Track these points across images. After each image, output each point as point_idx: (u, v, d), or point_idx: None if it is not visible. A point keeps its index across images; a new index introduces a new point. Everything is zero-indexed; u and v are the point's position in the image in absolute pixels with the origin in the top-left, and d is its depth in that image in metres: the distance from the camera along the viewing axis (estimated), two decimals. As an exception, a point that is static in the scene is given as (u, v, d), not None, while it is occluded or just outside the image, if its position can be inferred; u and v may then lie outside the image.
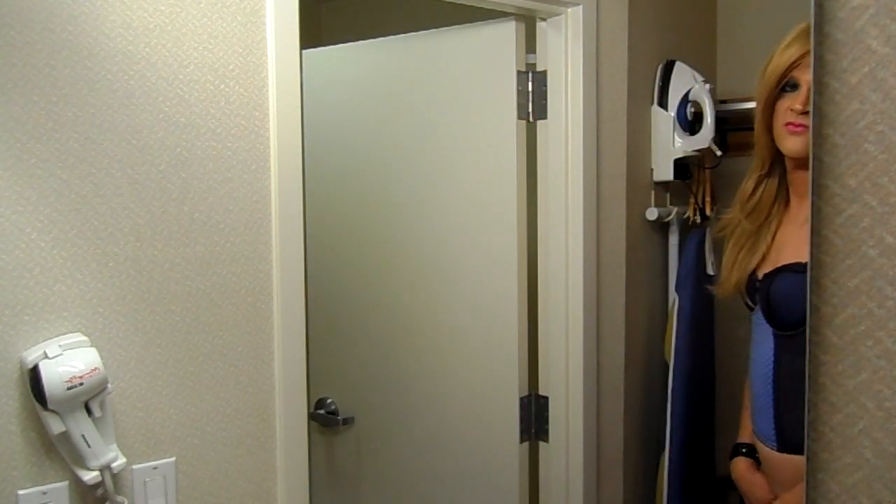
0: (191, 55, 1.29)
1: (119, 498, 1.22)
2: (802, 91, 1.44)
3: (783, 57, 1.48)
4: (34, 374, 1.13)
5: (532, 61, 1.82)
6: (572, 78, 1.77)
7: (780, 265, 1.48)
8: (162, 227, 1.27)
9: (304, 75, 1.43)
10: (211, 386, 1.34)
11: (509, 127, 1.81)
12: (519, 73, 1.80)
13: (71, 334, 1.18)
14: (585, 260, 1.79)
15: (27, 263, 1.16)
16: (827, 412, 0.97)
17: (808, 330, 0.97)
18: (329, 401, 2.17)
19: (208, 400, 1.33)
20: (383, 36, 2.01)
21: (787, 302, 1.46)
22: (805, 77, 1.44)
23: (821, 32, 0.95)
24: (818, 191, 0.96)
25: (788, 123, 1.46)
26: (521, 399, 1.83)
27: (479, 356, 1.89)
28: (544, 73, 1.80)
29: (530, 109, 1.82)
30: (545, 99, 1.80)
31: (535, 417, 1.85)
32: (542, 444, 1.86)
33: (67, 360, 1.14)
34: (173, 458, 1.30)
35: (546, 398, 1.83)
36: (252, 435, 1.38)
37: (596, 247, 1.81)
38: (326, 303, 2.10)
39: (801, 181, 1.46)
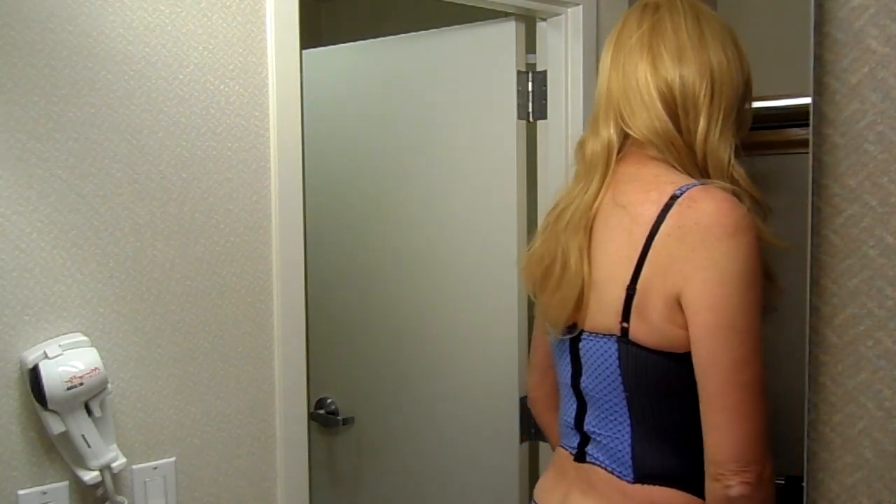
0: (191, 55, 1.29)
1: (119, 498, 1.22)
2: None
3: None
4: (34, 374, 1.13)
5: (532, 61, 1.82)
6: (572, 78, 1.77)
7: None
8: (162, 227, 1.27)
9: (304, 75, 1.43)
10: (211, 386, 1.34)
11: (509, 127, 1.81)
12: (519, 73, 1.80)
13: (71, 334, 1.18)
14: (585, 260, 1.78)
15: (27, 263, 1.16)
16: (827, 412, 0.97)
17: (808, 330, 0.97)
18: (329, 401, 2.16)
19: (208, 400, 1.33)
20: (383, 36, 2.01)
21: None
22: None
23: (821, 32, 0.95)
24: (818, 191, 0.96)
25: None
26: (521, 399, 1.83)
27: (479, 356, 1.89)
28: (544, 73, 1.80)
29: (530, 109, 1.82)
30: (545, 99, 1.80)
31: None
32: (542, 444, 1.86)
33: (67, 360, 1.14)
34: (173, 458, 1.30)
35: (546, 398, 1.83)
36: (252, 435, 1.38)
37: (596, 247, 1.81)
38: (326, 303, 2.10)
39: None
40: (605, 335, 1.20)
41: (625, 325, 1.17)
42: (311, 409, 2.10)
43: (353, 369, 2.13)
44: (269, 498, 1.41)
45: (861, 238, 0.94)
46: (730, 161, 1.23)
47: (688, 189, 1.15)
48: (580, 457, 1.27)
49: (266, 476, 1.41)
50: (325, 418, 2.15)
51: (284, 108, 1.38)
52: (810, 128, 0.97)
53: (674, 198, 1.14)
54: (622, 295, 1.16)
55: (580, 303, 1.23)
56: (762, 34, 1.81)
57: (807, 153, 0.99)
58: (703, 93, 1.21)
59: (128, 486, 1.26)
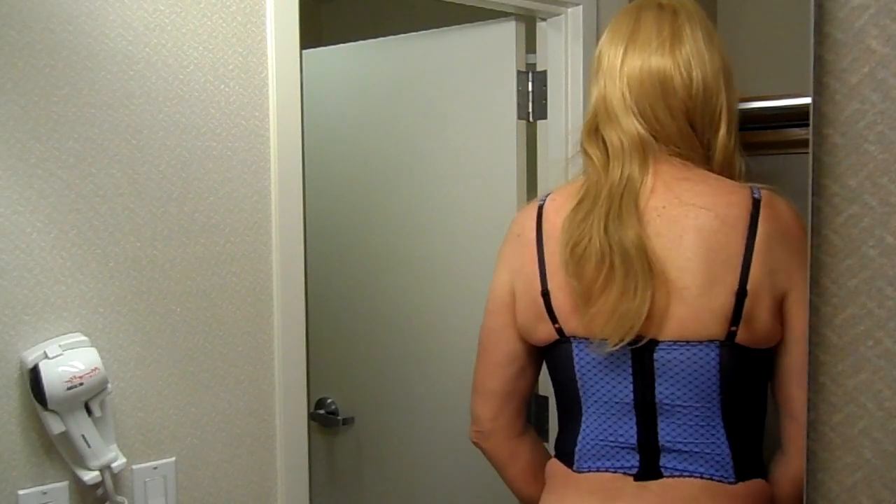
0: (191, 55, 1.29)
1: (119, 498, 1.22)
2: None
3: None
4: (34, 374, 1.13)
5: (532, 61, 1.82)
6: (572, 78, 1.77)
7: None
8: (162, 227, 1.27)
9: (304, 75, 1.43)
10: (211, 386, 1.34)
11: (509, 127, 1.80)
12: (519, 73, 1.80)
13: (71, 334, 1.18)
14: (585, 260, 1.78)
15: (27, 263, 1.16)
16: (827, 412, 0.97)
17: (808, 330, 0.97)
18: (329, 401, 2.16)
19: (208, 400, 1.33)
20: (383, 36, 2.01)
21: None
22: None
23: (821, 32, 0.95)
24: (818, 191, 0.96)
25: None
26: (521, 399, 1.82)
27: (479, 356, 1.89)
28: (544, 73, 1.80)
29: (530, 109, 1.82)
30: (545, 99, 1.80)
31: (535, 417, 1.85)
32: (543, 444, 1.85)
33: (67, 360, 1.14)
34: (173, 458, 1.30)
35: (546, 398, 1.83)
36: (252, 435, 1.38)
37: (596, 247, 1.81)
38: (326, 303, 2.10)
39: None
40: (700, 342, 1.17)
41: (733, 328, 1.16)
42: (311, 409, 2.10)
43: (353, 369, 2.13)
44: (269, 498, 1.41)
45: (861, 238, 0.94)
46: (740, 170, 1.27)
47: (759, 192, 1.19)
48: (650, 473, 1.22)
49: (266, 476, 1.41)
50: (325, 418, 2.15)
51: (284, 108, 1.38)
52: (810, 128, 0.97)
53: (756, 201, 1.18)
54: (731, 300, 1.15)
55: (652, 309, 1.17)
56: (762, 34, 1.81)
57: (807, 153, 0.99)
58: (721, 102, 1.24)
59: (128, 486, 1.26)
